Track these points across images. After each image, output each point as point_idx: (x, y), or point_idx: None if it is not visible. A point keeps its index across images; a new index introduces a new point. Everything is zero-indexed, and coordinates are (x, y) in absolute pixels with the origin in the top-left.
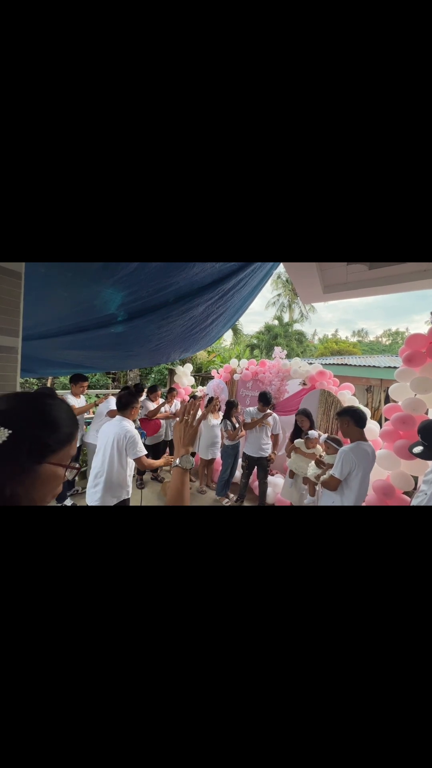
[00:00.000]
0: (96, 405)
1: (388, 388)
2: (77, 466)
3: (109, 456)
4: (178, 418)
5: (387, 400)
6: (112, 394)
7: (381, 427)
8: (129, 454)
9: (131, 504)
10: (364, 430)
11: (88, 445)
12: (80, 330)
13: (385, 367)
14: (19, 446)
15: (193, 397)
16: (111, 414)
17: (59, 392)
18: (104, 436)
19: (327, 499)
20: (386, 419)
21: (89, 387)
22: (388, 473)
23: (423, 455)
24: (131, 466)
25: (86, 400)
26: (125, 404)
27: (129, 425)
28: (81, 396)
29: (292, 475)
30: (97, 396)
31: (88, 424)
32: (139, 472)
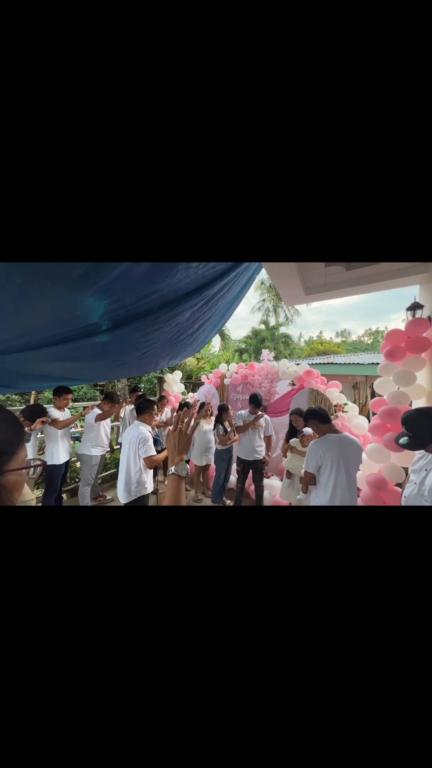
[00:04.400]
0: (82, 416)
1: (373, 383)
2: (39, 462)
3: (126, 456)
4: (170, 427)
5: (373, 395)
6: (96, 406)
7: (369, 422)
8: (140, 454)
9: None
10: (361, 424)
11: (81, 457)
12: (62, 341)
13: (369, 363)
14: None
15: (185, 405)
16: (98, 418)
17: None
18: (126, 440)
19: (313, 494)
20: (374, 413)
21: (76, 400)
22: (379, 466)
23: (409, 446)
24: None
25: (71, 414)
26: (141, 410)
27: (144, 429)
28: (65, 409)
29: (289, 475)
30: (83, 408)
31: (76, 438)
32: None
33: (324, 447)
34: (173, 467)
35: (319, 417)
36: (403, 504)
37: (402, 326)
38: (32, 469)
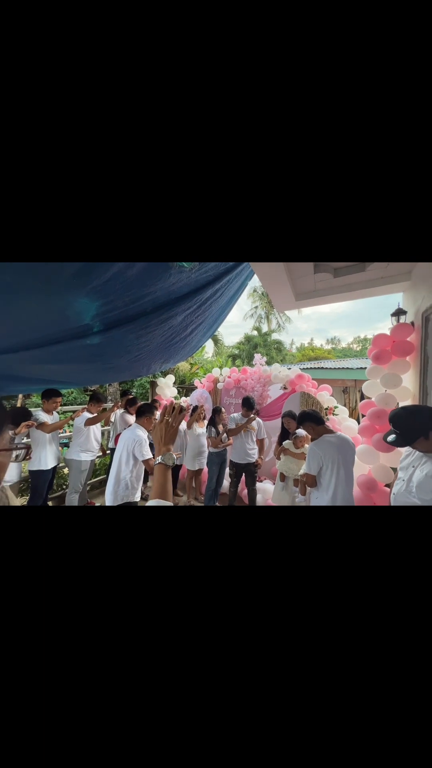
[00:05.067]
0: (71, 420)
1: (362, 387)
2: (23, 444)
3: (119, 457)
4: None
5: (363, 399)
6: (86, 409)
7: (359, 425)
8: (136, 455)
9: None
10: (351, 427)
11: (70, 462)
12: (52, 342)
13: (357, 368)
14: None
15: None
16: (88, 422)
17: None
18: (121, 442)
19: (313, 496)
20: (363, 416)
21: (65, 404)
22: (369, 467)
23: (396, 443)
24: (140, 473)
25: (60, 418)
26: (141, 413)
27: (141, 432)
28: (54, 413)
29: (282, 478)
30: (73, 413)
31: (64, 445)
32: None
33: (323, 447)
34: (160, 457)
35: (313, 419)
36: (392, 502)
37: (388, 332)
38: (17, 452)
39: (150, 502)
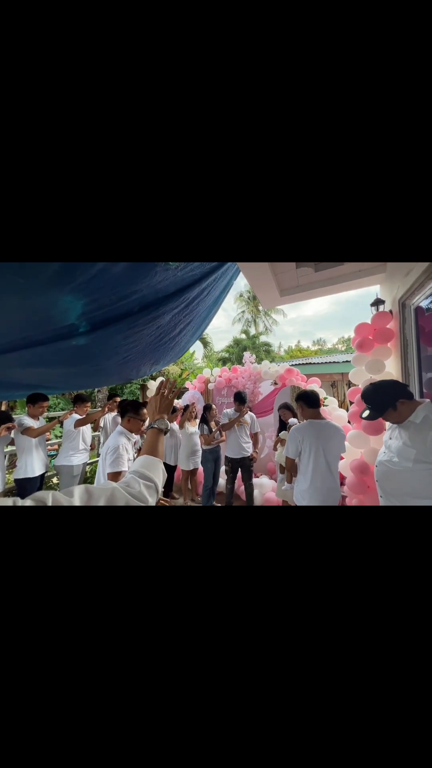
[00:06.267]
0: (60, 422)
1: (349, 379)
2: (9, 425)
3: (99, 469)
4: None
5: (350, 387)
6: (74, 411)
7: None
8: (104, 469)
9: None
10: (341, 416)
11: (61, 469)
12: (36, 344)
13: (343, 361)
14: None
15: (172, 410)
16: (78, 423)
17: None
18: (102, 452)
19: (296, 482)
20: (352, 403)
21: (50, 409)
22: (361, 452)
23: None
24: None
25: (46, 423)
26: (123, 412)
27: (119, 438)
28: (40, 418)
29: (282, 470)
30: (57, 417)
31: (52, 456)
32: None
33: (303, 432)
34: (154, 422)
35: (306, 399)
36: (375, 469)
37: (369, 321)
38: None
39: (137, 460)
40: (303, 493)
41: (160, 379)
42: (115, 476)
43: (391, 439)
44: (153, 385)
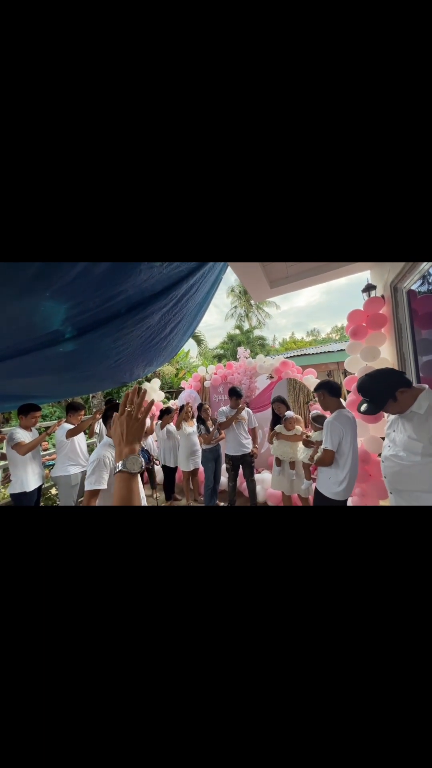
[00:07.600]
0: (49, 434)
1: (344, 364)
2: None
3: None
4: (116, 413)
5: (347, 376)
6: (65, 421)
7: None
8: (86, 485)
9: None
10: (348, 404)
11: (58, 480)
12: (21, 353)
13: (338, 350)
14: None
15: (167, 411)
16: (69, 434)
17: (7, 429)
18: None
19: (323, 476)
20: (348, 391)
21: (46, 419)
22: (361, 440)
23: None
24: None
25: (39, 433)
26: (106, 417)
27: (103, 451)
28: (33, 429)
29: (279, 462)
30: (47, 428)
31: (49, 467)
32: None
33: (343, 422)
34: (120, 462)
35: (329, 388)
36: (382, 464)
37: (361, 308)
38: None
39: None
40: (340, 485)
41: (136, 386)
42: (91, 495)
43: (394, 431)
44: (149, 386)
